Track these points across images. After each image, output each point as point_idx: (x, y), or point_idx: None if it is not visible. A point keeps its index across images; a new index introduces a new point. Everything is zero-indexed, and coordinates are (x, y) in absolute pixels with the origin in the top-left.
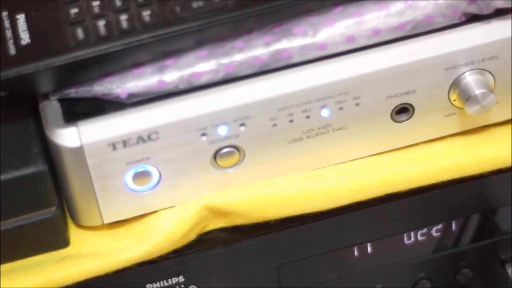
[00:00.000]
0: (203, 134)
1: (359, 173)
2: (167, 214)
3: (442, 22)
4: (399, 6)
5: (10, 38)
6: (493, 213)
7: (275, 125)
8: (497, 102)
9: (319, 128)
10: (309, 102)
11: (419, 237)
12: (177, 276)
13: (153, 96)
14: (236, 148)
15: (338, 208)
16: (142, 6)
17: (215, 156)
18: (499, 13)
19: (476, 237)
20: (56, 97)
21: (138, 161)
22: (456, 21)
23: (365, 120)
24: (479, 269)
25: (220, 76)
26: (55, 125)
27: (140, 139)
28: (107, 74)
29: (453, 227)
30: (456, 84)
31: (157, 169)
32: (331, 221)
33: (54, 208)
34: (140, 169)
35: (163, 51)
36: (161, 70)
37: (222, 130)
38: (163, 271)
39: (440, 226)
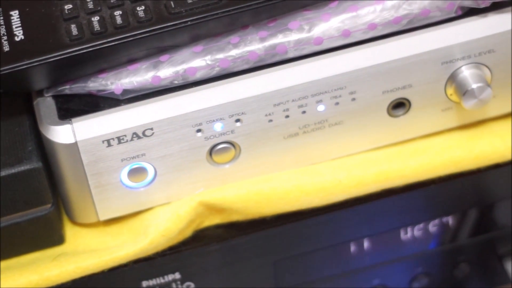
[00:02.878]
0: (199, 130)
1: (356, 168)
2: (163, 211)
3: (439, 16)
4: (395, 0)
5: (3, 35)
6: (491, 207)
7: (271, 120)
8: (494, 96)
9: (315, 124)
10: (305, 97)
11: (416, 232)
12: (173, 273)
13: (148, 92)
14: (232, 144)
15: (335, 204)
16: (136, 1)
17: (211, 152)
18: (495, 6)
19: (473, 232)
20: (50, 94)
21: (133, 157)
22: (453, 15)
23: (361, 115)
24: (477, 264)
25: (215, 71)
26: (50, 122)
27: (135, 135)
28: (102, 70)
29: (450, 222)
30: (452, 78)
31: (153, 166)
32: (327, 217)
33: (49, 205)
34: (135, 166)
35: (157, 47)
36: (155, 66)
37: (218, 126)
38: (159, 268)
39: (437, 221)
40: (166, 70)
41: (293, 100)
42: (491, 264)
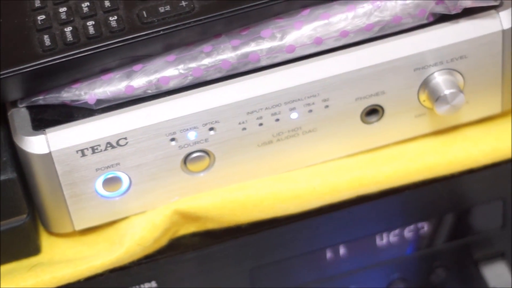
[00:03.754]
0: (172, 139)
1: (330, 175)
2: (138, 220)
3: (410, 22)
4: (366, 7)
5: None
6: (466, 213)
7: (244, 128)
8: (467, 102)
9: (289, 131)
10: (278, 105)
11: (391, 238)
12: (149, 282)
13: (121, 102)
14: (206, 152)
15: (310, 211)
16: (108, 11)
17: (185, 160)
18: (467, 12)
19: (449, 237)
20: (24, 105)
21: (107, 167)
22: (424, 21)
23: (335, 122)
24: (453, 269)
25: (188, 80)
26: (24, 133)
27: (109, 145)
28: (75, 80)
29: (426, 227)
30: (425, 84)
31: (127, 175)
32: (303, 224)
33: (25, 216)
34: (110, 175)
35: (130, 56)
36: (129, 76)
37: (191, 135)
38: (135, 277)
39: (412, 226)
40: (140, 80)
41: (266, 108)
42: (467, 269)
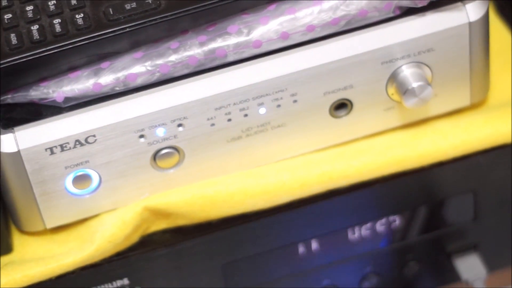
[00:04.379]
0: (141, 136)
1: (299, 169)
2: (109, 217)
3: (377, 16)
4: (332, 1)
5: None
6: (437, 205)
7: (213, 124)
8: (435, 95)
9: (257, 126)
10: (246, 100)
11: (363, 232)
12: (122, 279)
13: (89, 99)
14: (175, 149)
15: (280, 206)
16: (75, 9)
17: (155, 157)
18: (433, 5)
19: (421, 230)
20: None
21: (77, 164)
22: (391, 14)
23: (303, 116)
24: (426, 261)
25: (155, 77)
26: None
27: (78, 142)
28: (43, 78)
29: (398, 221)
30: (393, 77)
31: (97, 172)
32: (273, 219)
33: None
34: (79, 173)
35: (97, 54)
36: (96, 73)
37: (160, 131)
38: (107, 274)
39: (384, 220)
40: (107, 77)
41: (234, 104)
42: (440, 262)
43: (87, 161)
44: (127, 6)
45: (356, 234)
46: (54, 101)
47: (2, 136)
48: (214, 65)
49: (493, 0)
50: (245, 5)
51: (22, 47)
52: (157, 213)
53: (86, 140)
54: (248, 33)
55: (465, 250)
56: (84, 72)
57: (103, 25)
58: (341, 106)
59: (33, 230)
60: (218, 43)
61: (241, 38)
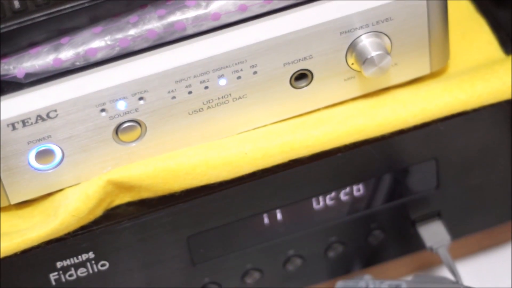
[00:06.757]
0: (103, 110)
1: (261, 140)
2: (72, 191)
3: None
4: None
5: None
6: (401, 173)
7: (174, 97)
8: (395, 64)
9: (218, 98)
10: (206, 72)
11: (328, 202)
12: (87, 252)
13: (50, 75)
14: (137, 122)
15: (242, 177)
16: None
17: (117, 131)
18: None
19: (385, 198)
20: None
21: (39, 140)
22: None
23: (264, 88)
24: (391, 230)
25: (115, 51)
26: None
27: (39, 117)
28: (4, 55)
29: (361, 189)
30: (352, 47)
31: (59, 147)
32: (236, 190)
33: None
34: (42, 148)
35: (57, 29)
36: (56, 49)
37: (121, 105)
38: (72, 248)
39: (347, 189)
40: (67, 52)
41: (194, 76)
42: (404, 230)
43: (49, 136)
44: None
45: (321, 204)
46: (15, 77)
47: None
48: (173, 39)
49: None
50: None
51: None
52: (120, 186)
53: (47, 115)
54: (207, 6)
55: (429, 218)
56: (44, 48)
57: (62, 0)
58: (302, 76)
59: None
60: (177, 16)
61: (200, 11)
